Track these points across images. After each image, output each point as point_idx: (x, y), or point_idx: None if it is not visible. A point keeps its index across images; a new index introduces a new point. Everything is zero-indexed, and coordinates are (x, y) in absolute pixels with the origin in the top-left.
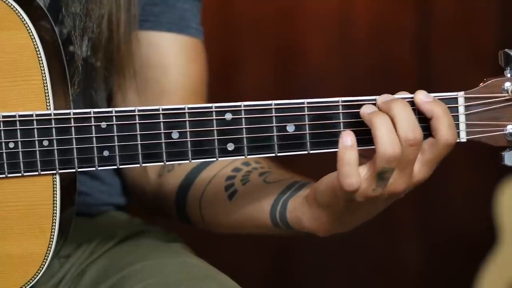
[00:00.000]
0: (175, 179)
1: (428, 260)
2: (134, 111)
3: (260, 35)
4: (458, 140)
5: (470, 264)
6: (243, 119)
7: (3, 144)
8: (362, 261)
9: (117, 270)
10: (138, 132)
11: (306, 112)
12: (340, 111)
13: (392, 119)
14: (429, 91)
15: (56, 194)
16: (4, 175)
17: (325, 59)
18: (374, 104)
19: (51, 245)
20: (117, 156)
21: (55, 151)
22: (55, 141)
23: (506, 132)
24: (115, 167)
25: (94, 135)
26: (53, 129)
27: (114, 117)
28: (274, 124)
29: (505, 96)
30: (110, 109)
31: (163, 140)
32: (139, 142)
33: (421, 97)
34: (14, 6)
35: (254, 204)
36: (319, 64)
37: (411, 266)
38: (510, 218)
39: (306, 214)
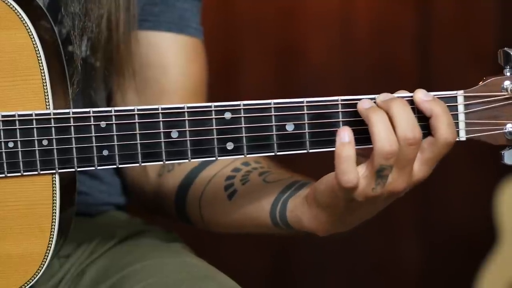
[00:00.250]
0: (175, 179)
1: (428, 260)
2: (133, 110)
3: (261, 35)
4: (457, 139)
5: (470, 264)
6: (243, 118)
7: (3, 143)
8: (362, 261)
9: (117, 270)
10: (137, 132)
11: (305, 111)
12: (340, 110)
13: (391, 118)
14: (429, 91)
15: (55, 193)
16: (3, 175)
17: (326, 59)
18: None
19: (51, 245)
20: (117, 156)
21: (55, 151)
22: (54, 140)
23: (506, 130)
24: (115, 166)
25: (93, 134)
26: (53, 129)
27: (113, 117)
28: (273, 123)
29: (504, 95)
30: (109, 109)
31: (162, 140)
32: (138, 142)
33: (421, 96)
34: (13, 6)
35: (254, 204)
36: (320, 64)
37: (411, 266)
38: (510, 218)
39: (306, 214)
